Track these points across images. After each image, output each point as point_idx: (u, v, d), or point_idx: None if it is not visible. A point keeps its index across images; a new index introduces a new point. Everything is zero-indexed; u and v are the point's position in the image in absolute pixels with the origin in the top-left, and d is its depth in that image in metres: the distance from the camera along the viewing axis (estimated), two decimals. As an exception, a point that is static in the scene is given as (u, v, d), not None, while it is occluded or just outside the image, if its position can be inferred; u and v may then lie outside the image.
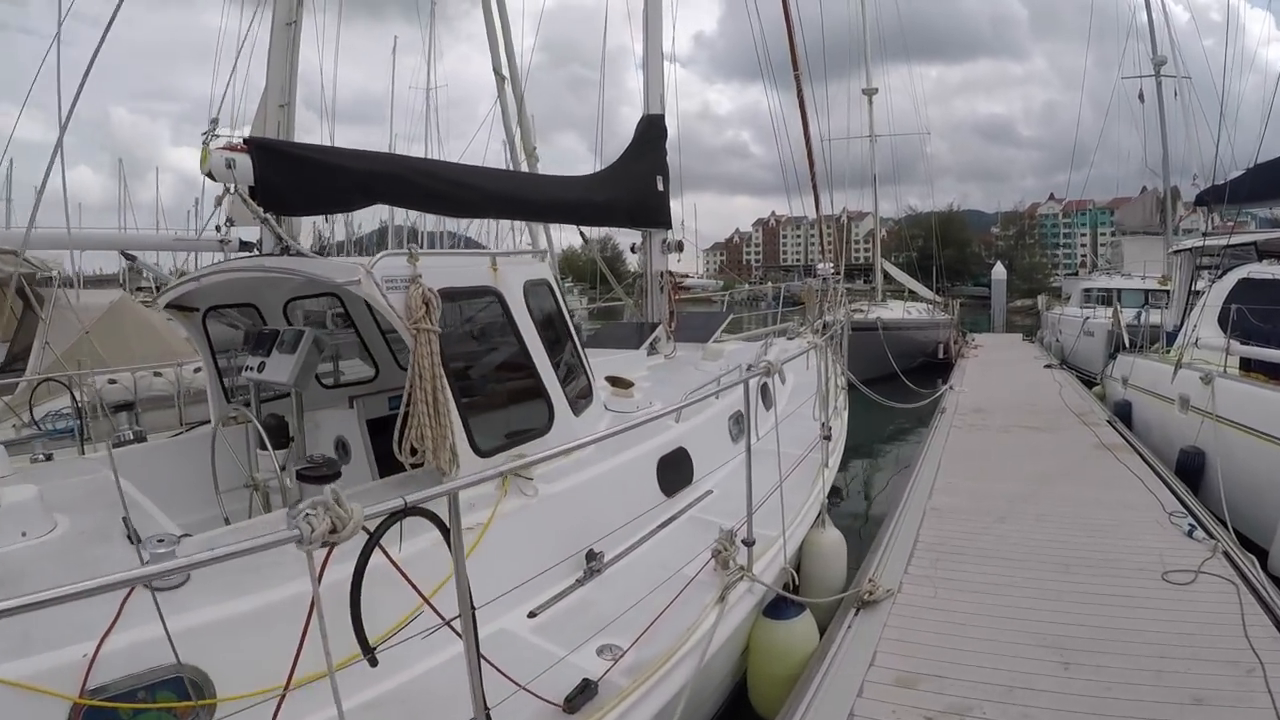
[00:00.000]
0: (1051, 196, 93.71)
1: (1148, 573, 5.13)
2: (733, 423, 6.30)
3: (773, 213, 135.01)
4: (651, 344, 8.53)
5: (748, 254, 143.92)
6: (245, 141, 4.39)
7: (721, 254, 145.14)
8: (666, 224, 8.75)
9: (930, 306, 25.58)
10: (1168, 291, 16.59)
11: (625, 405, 5.65)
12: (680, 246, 9.13)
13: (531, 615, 3.67)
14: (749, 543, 4.35)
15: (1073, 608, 4.64)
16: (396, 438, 3.64)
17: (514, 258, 4.80)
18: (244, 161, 4.24)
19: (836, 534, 5.75)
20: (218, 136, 4.45)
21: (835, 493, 10.77)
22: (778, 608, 4.43)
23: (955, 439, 9.79)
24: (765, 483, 4.91)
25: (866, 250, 69.69)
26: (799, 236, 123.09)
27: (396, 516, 2.25)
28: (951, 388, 14.32)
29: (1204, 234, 11.55)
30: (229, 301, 5.34)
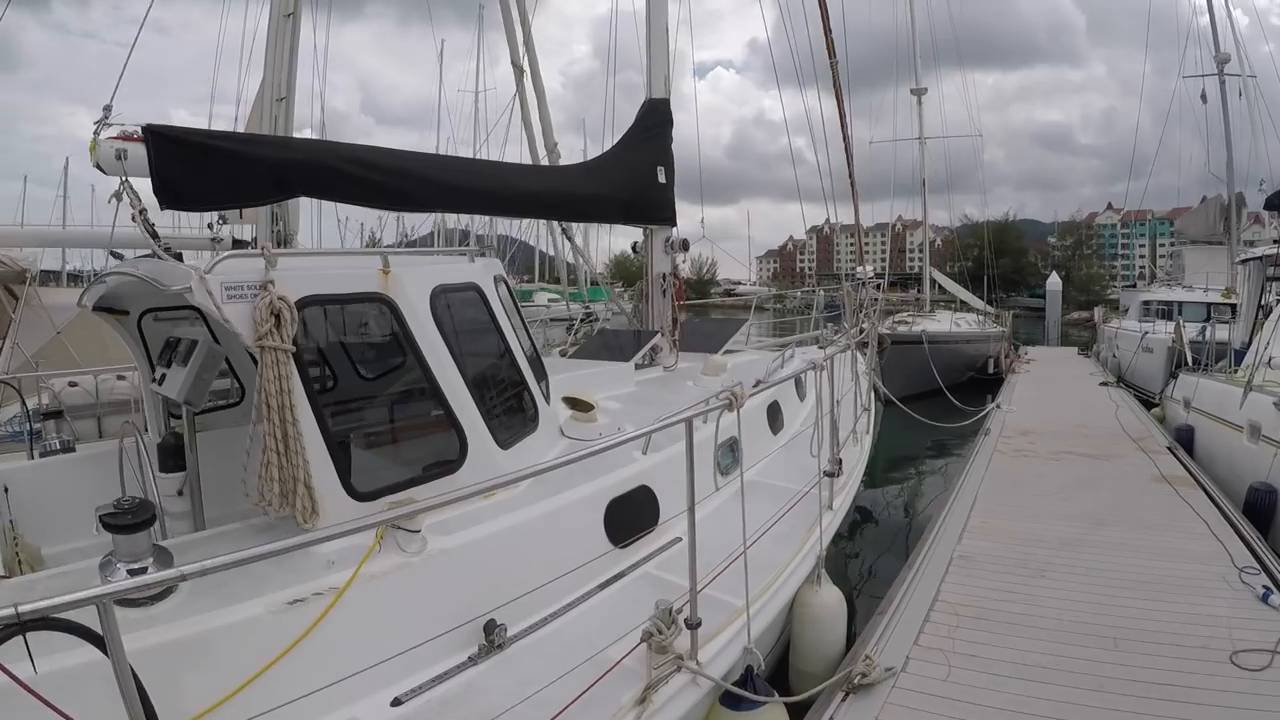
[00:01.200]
0: (1110, 206, 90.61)
1: (1213, 651, 4.23)
2: (724, 452, 5.38)
3: (826, 220, 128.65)
4: (650, 355, 7.80)
5: (801, 261, 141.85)
6: (143, 130, 3.78)
7: (775, 261, 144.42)
8: (670, 220, 7.97)
9: (981, 318, 24.33)
10: (1233, 305, 15.43)
11: (585, 431, 4.86)
12: (686, 245, 8.24)
13: (396, 703, 2.95)
14: (693, 624, 3.42)
15: (1119, 700, 3.76)
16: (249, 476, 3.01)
17: (424, 259, 4.15)
18: (138, 152, 3.63)
19: (835, 593, 4.82)
20: (109, 125, 3.87)
21: (865, 515, 10.05)
22: (737, 697, 3.56)
23: (997, 466, 8.88)
24: (756, 523, 4.17)
25: (920, 259, 68.20)
26: (853, 244, 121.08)
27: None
28: (999, 406, 13.31)
29: (1276, 241, 10.49)
30: (163, 305, 4.65)
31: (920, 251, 32.49)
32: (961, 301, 27.79)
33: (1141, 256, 65.04)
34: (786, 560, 4.71)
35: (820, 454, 5.49)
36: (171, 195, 3.69)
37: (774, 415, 7.03)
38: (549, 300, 60.65)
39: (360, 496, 3.21)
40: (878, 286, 15.65)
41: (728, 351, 8.50)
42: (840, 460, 6.15)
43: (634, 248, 8.35)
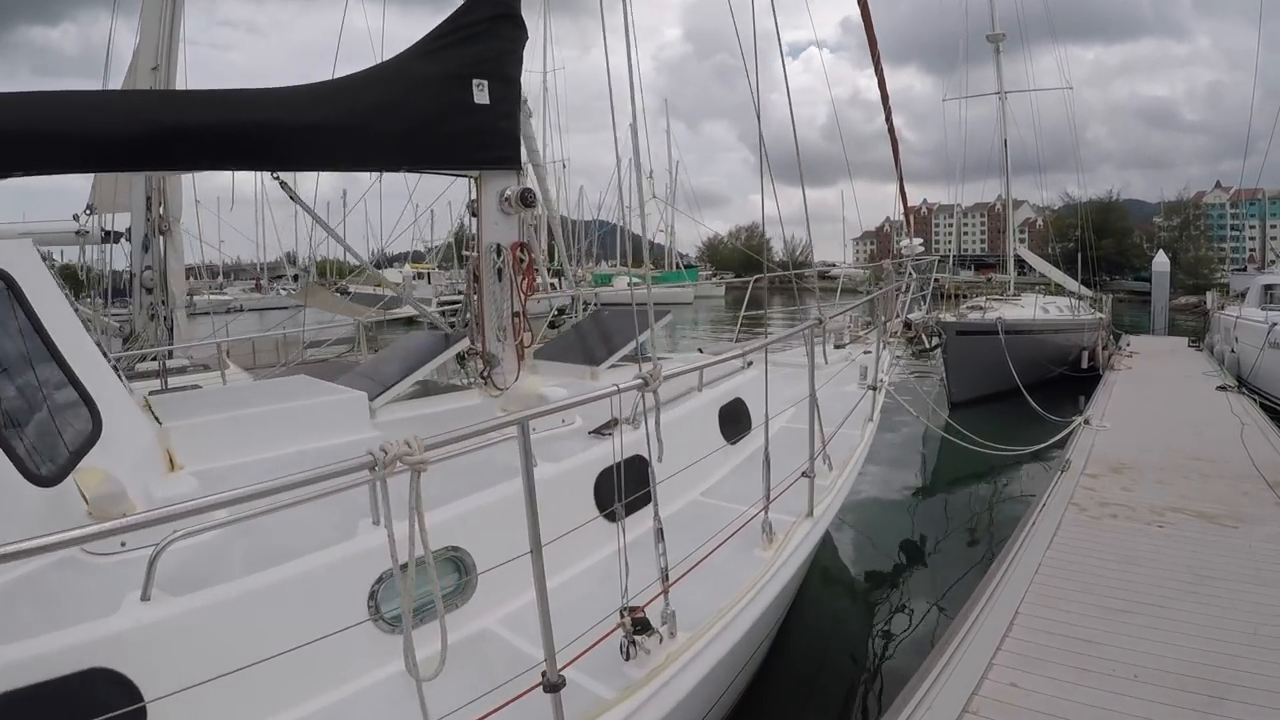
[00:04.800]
0: (1218, 185, 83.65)
1: None
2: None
3: (924, 200, 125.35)
4: (487, 370, 5.39)
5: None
6: None
7: (872, 243, 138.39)
8: (503, 161, 5.28)
9: (1075, 303, 20.79)
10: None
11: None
12: (529, 199, 5.33)
13: None
14: None
15: None
16: None
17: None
18: None
19: None
20: None
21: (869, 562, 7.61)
22: None
23: (1071, 535, 6.06)
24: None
25: (1022, 240, 63.76)
26: (951, 224, 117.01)
27: None
28: (1087, 421, 10.20)
29: None
30: None
31: (1022, 233, 28.68)
32: (1056, 284, 24.19)
33: (1252, 238, 59.39)
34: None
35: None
36: None
37: (733, 418, 5.14)
38: (627, 284, 58.48)
39: None
40: (931, 265, 12.95)
41: (613, 366, 5.97)
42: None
43: (469, 207, 5.50)
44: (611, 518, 3.75)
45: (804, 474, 4.37)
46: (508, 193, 5.31)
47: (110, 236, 11.23)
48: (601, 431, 4.40)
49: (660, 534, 3.15)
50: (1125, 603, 4.77)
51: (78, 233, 11.25)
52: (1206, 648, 4.16)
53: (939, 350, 13.53)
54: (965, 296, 21.16)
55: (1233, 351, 16.40)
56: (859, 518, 8.63)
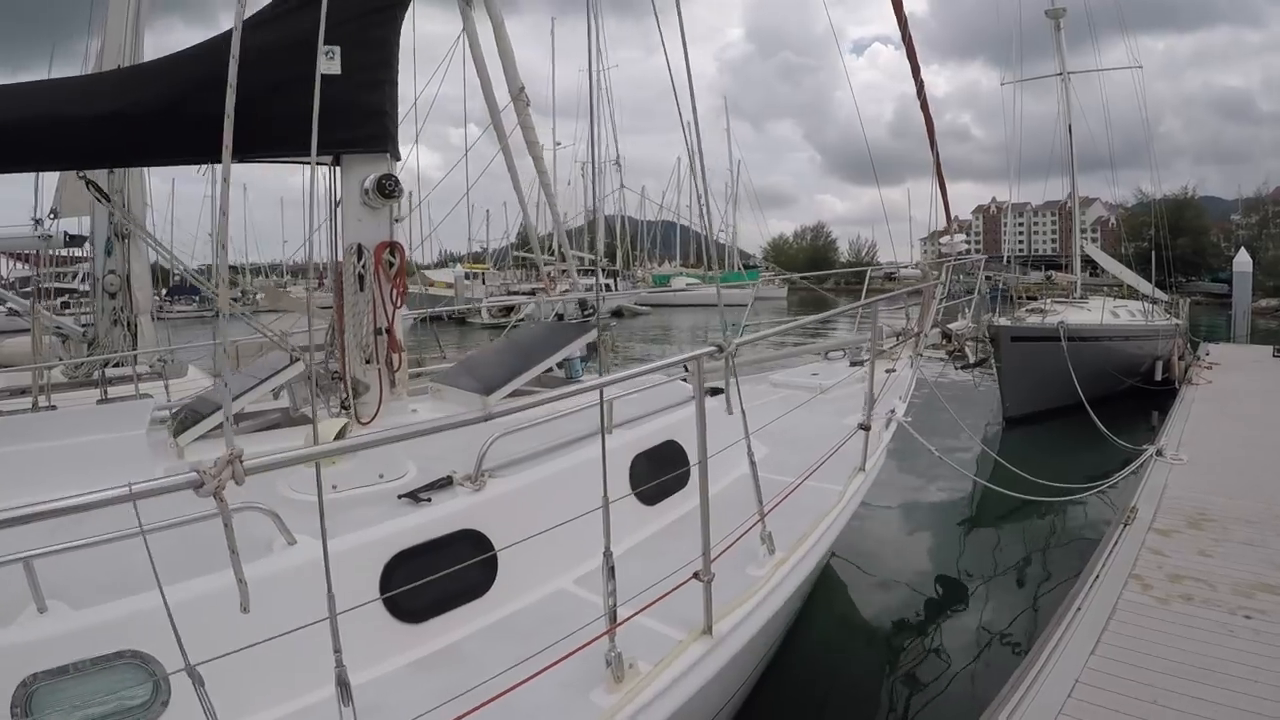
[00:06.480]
0: (1300, 179, 79.16)
1: None
2: None
3: (993, 198, 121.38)
4: (349, 395, 4.21)
5: (967, 242, 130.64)
6: None
7: (933, 243, 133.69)
8: (371, 143, 4.26)
9: (1149, 307, 18.65)
10: None
11: None
12: (388, 189, 4.19)
13: None
14: None
15: None
16: None
17: None
18: None
19: None
20: None
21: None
22: None
23: (1128, 627, 4.47)
24: None
25: (1093, 240, 60.80)
26: (1021, 224, 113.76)
27: None
28: (1159, 453, 8.37)
29: None
30: None
31: (1094, 231, 26.30)
32: (1128, 286, 21.96)
33: (1336, 237, 56.44)
34: None
35: None
36: None
37: (657, 468, 3.91)
38: (686, 284, 57.60)
39: None
40: (976, 266, 11.40)
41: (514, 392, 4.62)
42: None
43: (338, 204, 4.27)
44: (414, 619, 2.84)
45: (696, 576, 2.94)
46: (366, 182, 4.18)
47: (73, 240, 11.10)
48: (418, 496, 3.14)
49: (612, 571, 2.53)
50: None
51: (40, 237, 11.04)
52: None
53: (983, 365, 11.96)
54: (1035, 298, 19.35)
55: (1331, 363, 14.36)
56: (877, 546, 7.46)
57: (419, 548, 2.90)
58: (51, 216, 10.83)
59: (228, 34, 3.90)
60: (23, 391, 7.30)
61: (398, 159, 4.38)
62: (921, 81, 8.30)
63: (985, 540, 8.06)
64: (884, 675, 5.46)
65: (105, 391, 7.48)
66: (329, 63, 3.94)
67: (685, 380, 5.10)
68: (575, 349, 5.11)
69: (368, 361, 4.21)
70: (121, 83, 3.98)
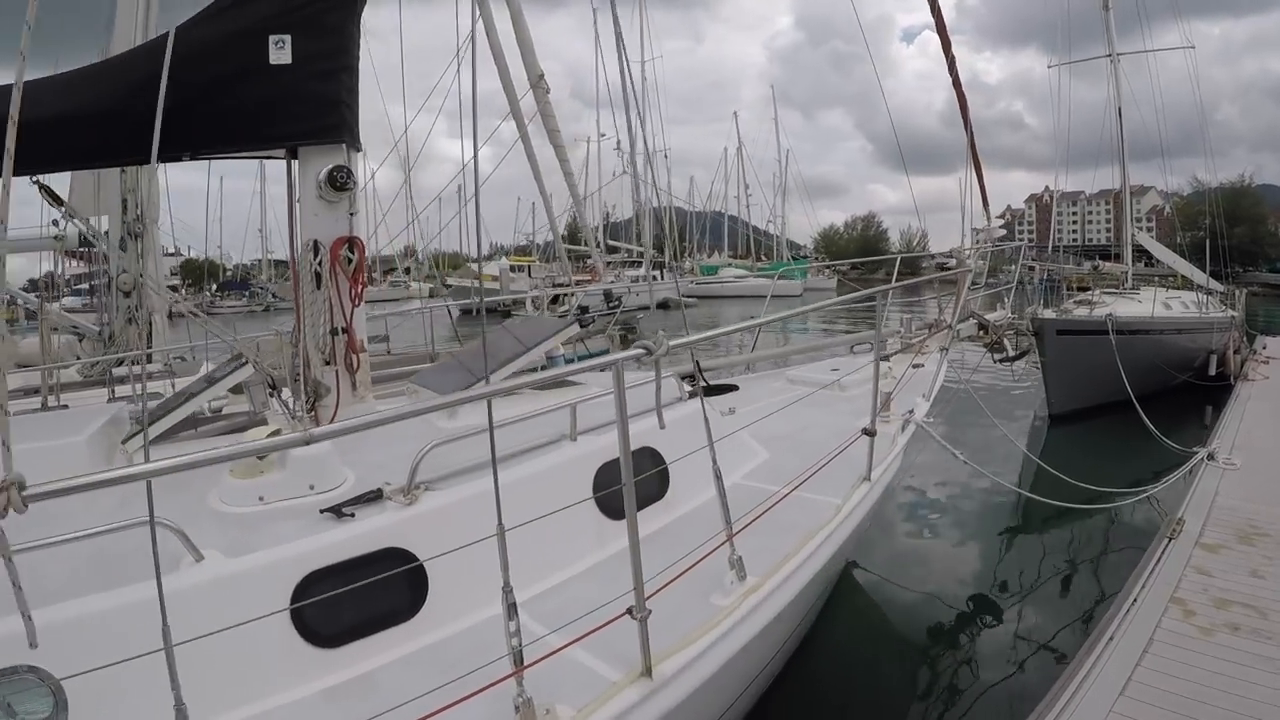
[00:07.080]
0: (1359, 166, 76.31)
1: None
2: None
3: (1046, 188, 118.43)
4: (310, 399, 3.98)
5: (1020, 231, 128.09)
6: None
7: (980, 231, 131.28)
8: (326, 133, 3.99)
9: (1203, 298, 17.55)
10: None
11: None
12: (339, 180, 3.92)
13: None
14: None
15: None
16: None
17: None
18: None
19: None
20: None
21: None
22: None
23: (1165, 661, 3.96)
24: None
25: (1149, 229, 58.87)
26: (1075, 213, 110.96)
27: None
28: (1210, 457, 7.69)
29: None
30: None
31: (1149, 221, 25.23)
32: (1182, 276, 20.96)
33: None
34: None
35: None
36: None
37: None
38: (735, 276, 56.98)
39: None
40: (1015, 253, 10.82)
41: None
42: None
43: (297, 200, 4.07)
44: (329, 644, 2.60)
45: (629, 613, 2.55)
46: (320, 175, 3.91)
47: (85, 243, 10.96)
48: (341, 510, 2.82)
49: (513, 609, 2.23)
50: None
51: (55, 238, 10.95)
52: None
53: (1022, 358, 11.37)
54: (1087, 288, 18.56)
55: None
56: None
57: (335, 567, 2.61)
58: (68, 218, 10.86)
59: (173, 31, 3.68)
60: (36, 391, 7.21)
61: (358, 150, 4.13)
62: (953, 57, 7.78)
63: (1020, 549, 7.53)
64: (898, 699, 5.03)
65: (113, 391, 7.33)
66: (279, 52, 3.75)
67: (682, 381, 4.73)
68: (554, 344, 4.79)
69: (327, 363, 3.93)
70: (69, 85, 3.79)
